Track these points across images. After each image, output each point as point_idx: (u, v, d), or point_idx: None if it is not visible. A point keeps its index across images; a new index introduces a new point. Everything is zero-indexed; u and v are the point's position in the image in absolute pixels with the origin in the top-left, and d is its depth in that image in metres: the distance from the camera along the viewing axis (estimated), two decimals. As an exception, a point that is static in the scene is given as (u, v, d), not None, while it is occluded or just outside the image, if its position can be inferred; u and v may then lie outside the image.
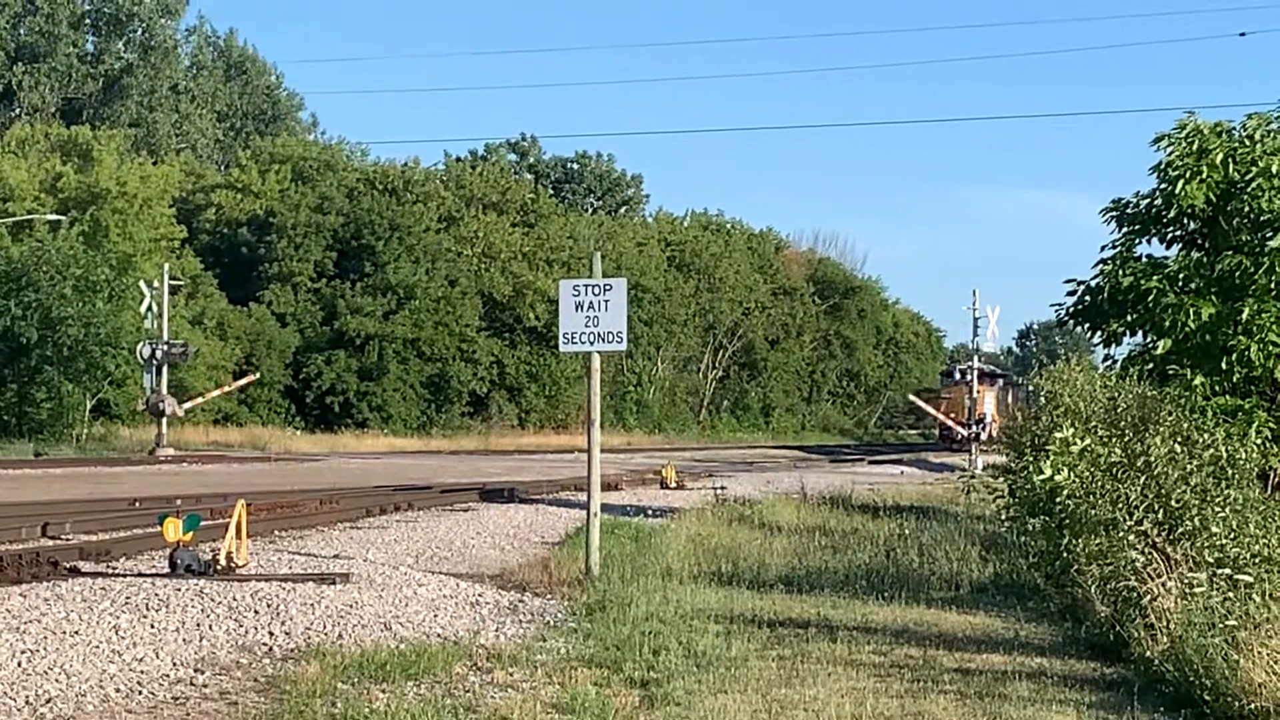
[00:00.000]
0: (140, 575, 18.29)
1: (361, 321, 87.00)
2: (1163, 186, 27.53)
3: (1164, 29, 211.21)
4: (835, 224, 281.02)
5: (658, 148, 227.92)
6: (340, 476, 44.85)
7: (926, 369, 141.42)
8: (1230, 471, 18.02)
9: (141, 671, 13.14)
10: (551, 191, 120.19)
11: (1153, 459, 17.75)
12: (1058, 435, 18.56)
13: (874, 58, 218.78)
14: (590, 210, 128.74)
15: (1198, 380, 25.61)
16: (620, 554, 23.20)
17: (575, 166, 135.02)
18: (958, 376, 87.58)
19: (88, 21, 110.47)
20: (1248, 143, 27.31)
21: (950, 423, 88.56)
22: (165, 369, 63.69)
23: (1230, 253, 26.76)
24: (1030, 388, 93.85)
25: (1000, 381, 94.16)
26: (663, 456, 63.12)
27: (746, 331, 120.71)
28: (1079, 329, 30.20)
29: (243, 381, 77.38)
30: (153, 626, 14.68)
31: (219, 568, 18.08)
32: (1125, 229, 28.41)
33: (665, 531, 27.36)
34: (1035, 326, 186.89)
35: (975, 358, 69.64)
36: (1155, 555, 16.47)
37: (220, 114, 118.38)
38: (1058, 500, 18.11)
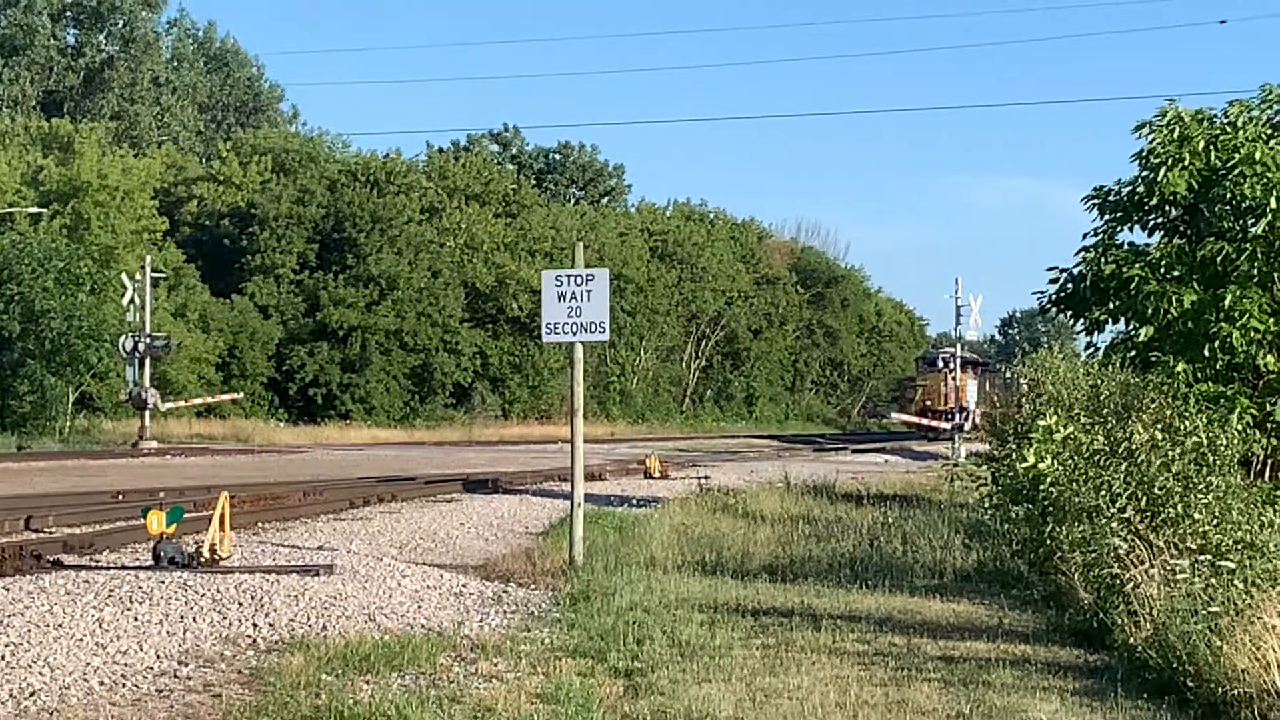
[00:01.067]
0: (124, 568, 18.28)
1: (344, 313, 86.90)
2: (1145, 174, 27.58)
3: (1144, 16, 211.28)
4: (818, 213, 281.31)
5: (640, 138, 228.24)
6: (323, 468, 44.83)
7: (910, 358, 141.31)
8: (1212, 458, 18.05)
9: (125, 664, 13.13)
10: (534, 182, 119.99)
11: (1135, 446, 17.79)
12: (1041, 423, 18.60)
13: (854, 46, 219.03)
14: (573, 201, 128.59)
15: (1180, 367, 25.66)
16: (604, 544, 23.22)
17: (557, 157, 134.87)
18: (940, 364, 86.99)
19: (69, 14, 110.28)
20: (1229, 130, 27.37)
21: (924, 421, 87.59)
22: (148, 362, 63.62)
23: (1212, 239, 26.80)
24: (1008, 375, 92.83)
25: (980, 370, 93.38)
26: (646, 446, 63.12)
27: (729, 321, 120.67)
28: (1061, 317, 30.26)
29: (225, 398, 77.18)
30: (136, 619, 14.67)
31: (202, 560, 18.08)
32: (1107, 216, 28.45)
33: (649, 521, 27.37)
34: (1018, 315, 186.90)
35: (958, 346, 69.56)
36: (1138, 542, 16.52)
37: (201, 106, 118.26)
38: (1041, 488, 18.16)
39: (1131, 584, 15.90)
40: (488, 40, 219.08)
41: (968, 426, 65.76)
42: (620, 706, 12.30)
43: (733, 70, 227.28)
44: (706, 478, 38.62)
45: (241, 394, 79.57)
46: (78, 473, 40.15)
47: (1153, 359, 26.06)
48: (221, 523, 18.67)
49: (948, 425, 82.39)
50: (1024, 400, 21.24)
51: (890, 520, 26.72)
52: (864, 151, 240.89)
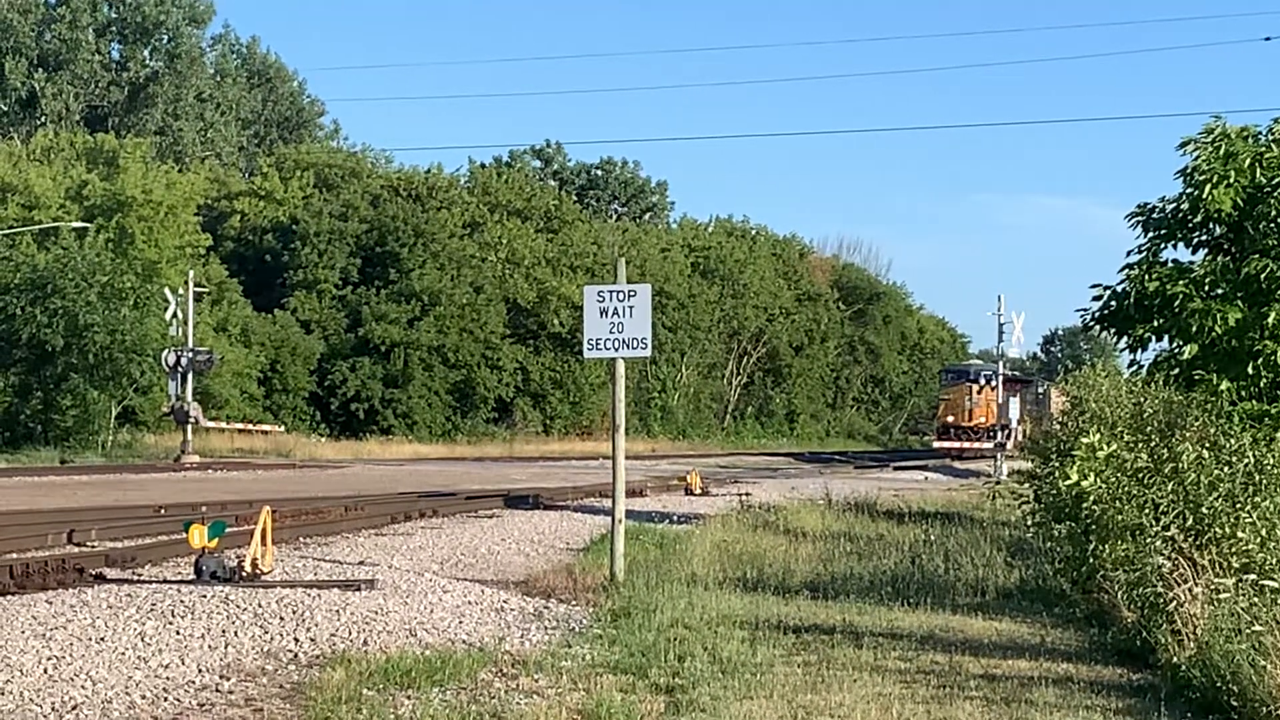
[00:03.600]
0: (166, 582, 18.32)
1: (386, 328, 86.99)
2: (1189, 191, 27.47)
3: (1188, 34, 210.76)
4: (860, 230, 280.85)
5: (682, 154, 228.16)
6: (365, 483, 44.89)
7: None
8: (1259, 477, 17.93)
9: (167, 678, 13.16)
10: (575, 198, 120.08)
11: (1182, 465, 17.68)
12: (1084, 440, 18.51)
13: (898, 63, 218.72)
14: (614, 217, 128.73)
15: (1224, 385, 25.54)
16: (645, 560, 23.20)
17: (599, 173, 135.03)
18: (982, 381, 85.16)
19: (114, 29, 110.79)
20: (1274, 147, 27.25)
21: (947, 444, 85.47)
22: (190, 376, 63.94)
23: (1257, 257, 26.67)
24: (1040, 390, 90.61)
25: (1023, 387, 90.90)
26: (687, 463, 63.12)
27: (771, 338, 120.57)
28: (1104, 334, 30.13)
29: (264, 428, 77.23)
30: (178, 633, 14.69)
31: (244, 574, 18.09)
32: (1151, 234, 28.36)
33: (690, 537, 27.33)
34: (1060, 332, 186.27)
35: (1001, 363, 69.01)
36: (1182, 561, 16.41)
37: (244, 121, 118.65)
38: (1084, 506, 18.07)
39: (1175, 603, 15.81)
40: (530, 56, 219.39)
41: (1010, 444, 65.16)
42: (661, 723, 12.27)
43: (774, 87, 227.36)
44: (747, 494, 38.55)
45: (281, 427, 79.50)
46: (120, 486, 40.27)
47: (1196, 377, 25.93)
48: (263, 537, 18.69)
49: (981, 444, 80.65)
50: (1054, 414, 21.20)
51: (932, 538, 26.64)
52: (906, 168, 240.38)
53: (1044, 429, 23.38)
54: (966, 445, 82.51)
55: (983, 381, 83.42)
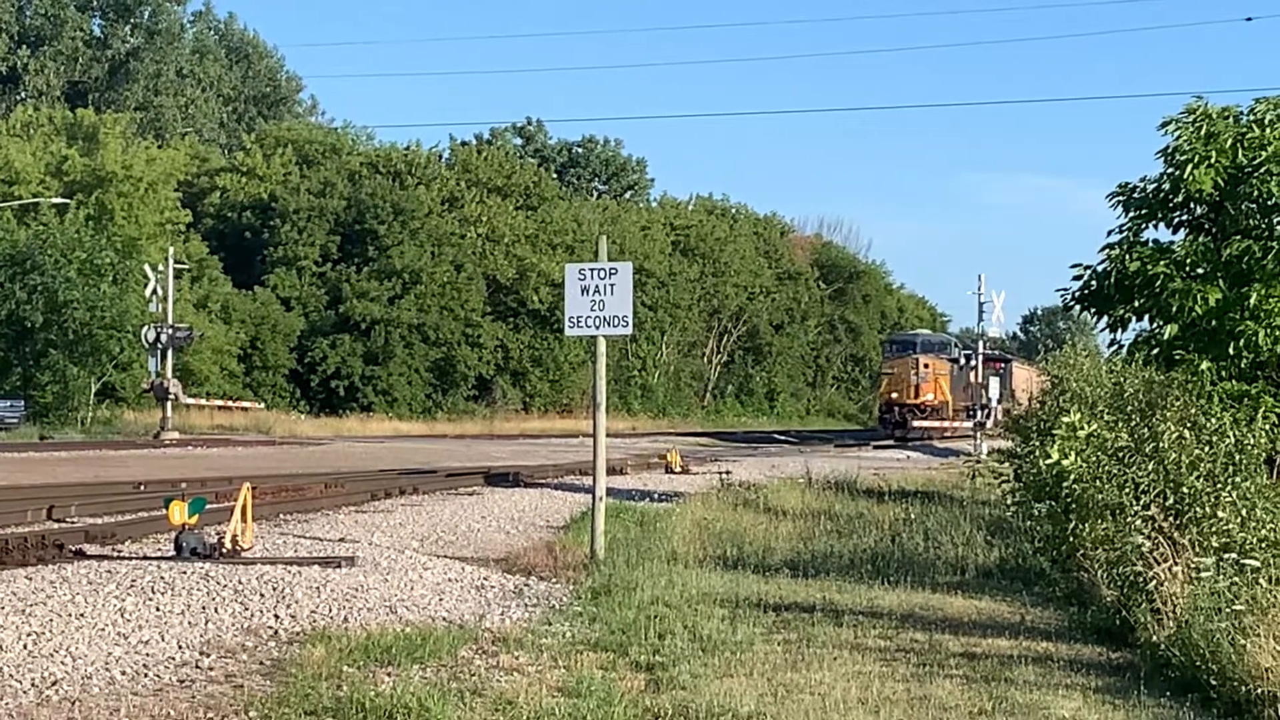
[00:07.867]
0: (146, 558, 18.29)
1: (367, 306, 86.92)
2: (1170, 171, 27.51)
3: (1169, 13, 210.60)
4: (840, 209, 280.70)
5: (663, 132, 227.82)
6: (345, 460, 44.85)
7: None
8: (1239, 457, 17.97)
9: (147, 654, 13.13)
10: (556, 176, 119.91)
11: (1163, 444, 17.71)
12: (1065, 420, 18.53)
13: (879, 43, 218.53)
14: (595, 195, 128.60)
15: (1205, 365, 25.60)
16: (625, 538, 23.17)
17: (580, 151, 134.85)
18: (910, 349, 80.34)
19: (95, 5, 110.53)
20: (1256, 128, 27.29)
21: (890, 425, 79.02)
22: (170, 353, 63.80)
23: (1238, 238, 26.75)
24: (999, 368, 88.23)
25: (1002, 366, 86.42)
26: (667, 441, 63.09)
27: (751, 316, 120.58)
28: (1085, 314, 30.18)
29: (244, 405, 77.05)
30: (158, 609, 14.67)
31: (224, 551, 18.07)
32: (1132, 214, 28.39)
33: (670, 516, 27.30)
34: (1039, 311, 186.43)
35: (980, 342, 68.52)
36: (1162, 540, 16.45)
37: (225, 98, 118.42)
38: (1064, 485, 18.09)
39: (1155, 581, 15.85)
40: (511, 34, 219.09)
41: (990, 424, 64.77)
42: (642, 701, 12.25)
43: (756, 65, 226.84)
44: (728, 473, 38.51)
45: (261, 404, 79.30)
46: (100, 463, 40.22)
47: (1177, 357, 26.00)
48: (243, 514, 18.68)
49: (930, 424, 77.19)
50: (1018, 390, 21.27)
51: (912, 516, 26.66)
52: (886, 148, 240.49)
53: (1006, 405, 23.48)
54: (913, 424, 77.17)
55: (934, 354, 79.58)
